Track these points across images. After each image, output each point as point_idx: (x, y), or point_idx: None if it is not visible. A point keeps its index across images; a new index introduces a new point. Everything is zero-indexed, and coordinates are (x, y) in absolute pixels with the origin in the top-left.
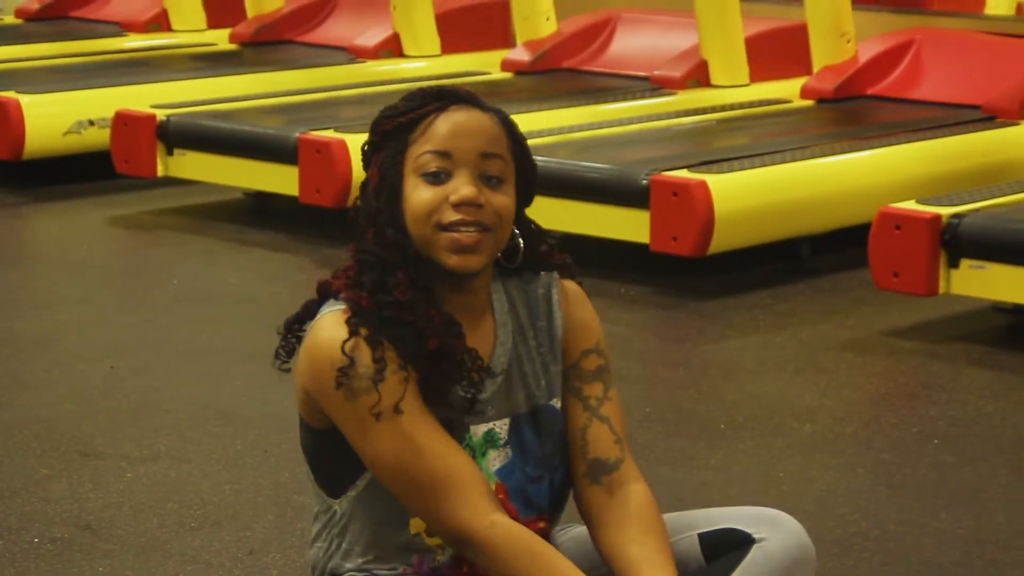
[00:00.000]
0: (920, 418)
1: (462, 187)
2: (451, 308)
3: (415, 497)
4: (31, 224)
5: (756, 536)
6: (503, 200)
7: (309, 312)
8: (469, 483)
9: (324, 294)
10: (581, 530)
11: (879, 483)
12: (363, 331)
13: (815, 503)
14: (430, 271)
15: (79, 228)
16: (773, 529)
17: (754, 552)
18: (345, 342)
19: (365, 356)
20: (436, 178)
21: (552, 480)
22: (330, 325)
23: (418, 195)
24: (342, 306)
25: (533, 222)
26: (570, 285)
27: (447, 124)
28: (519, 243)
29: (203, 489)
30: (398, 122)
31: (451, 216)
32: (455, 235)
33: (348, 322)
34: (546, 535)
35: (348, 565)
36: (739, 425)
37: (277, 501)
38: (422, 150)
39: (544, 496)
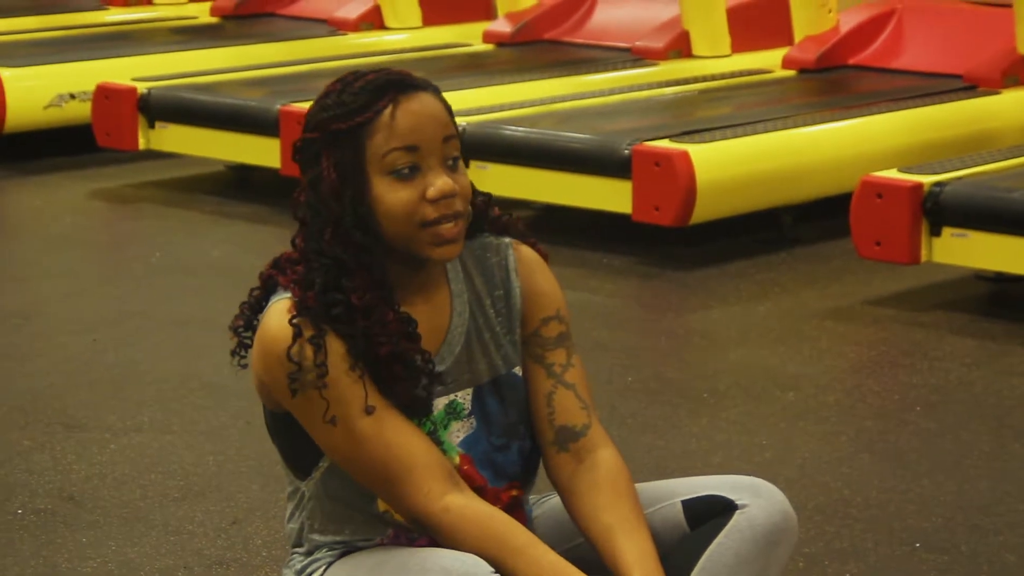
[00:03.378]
0: (902, 386)
1: (436, 180)
2: (407, 287)
3: (371, 483)
4: (13, 198)
5: (739, 503)
6: (465, 180)
7: (259, 305)
8: (422, 468)
9: (270, 288)
10: (557, 500)
11: (862, 450)
12: (306, 332)
13: (798, 471)
14: (396, 264)
15: (61, 201)
16: (756, 496)
17: (737, 518)
18: (290, 347)
19: (309, 359)
20: (407, 175)
21: (521, 448)
22: (276, 321)
23: (394, 196)
24: (289, 295)
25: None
26: (526, 251)
27: (406, 117)
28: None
29: (186, 460)
30: (355, 121)
31: (432, 213)
32: (438, 230)
33: (291, 323)
34: (519, 502)
35: (326, 539)
36: (722, 394)
37: (260, 471)
38: (387, 148)
39: (514, 464)
